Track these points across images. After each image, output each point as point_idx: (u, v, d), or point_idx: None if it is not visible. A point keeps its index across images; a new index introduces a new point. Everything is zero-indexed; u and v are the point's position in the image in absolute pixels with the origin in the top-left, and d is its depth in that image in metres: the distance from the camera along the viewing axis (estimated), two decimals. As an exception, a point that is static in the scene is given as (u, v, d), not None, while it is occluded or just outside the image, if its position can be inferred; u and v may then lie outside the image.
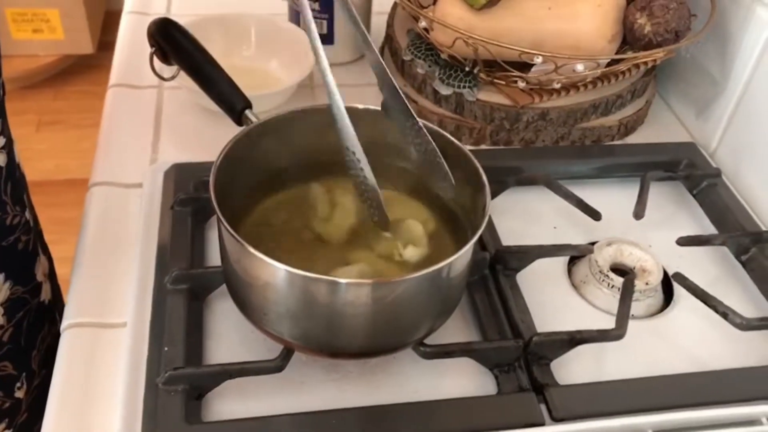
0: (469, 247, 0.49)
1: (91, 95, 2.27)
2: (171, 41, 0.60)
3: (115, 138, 0.73)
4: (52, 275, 0.68)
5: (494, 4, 0.68)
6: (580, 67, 0.67)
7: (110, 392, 0.52)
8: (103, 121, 0.75)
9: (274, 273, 0.46)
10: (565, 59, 0.66)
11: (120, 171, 0.69)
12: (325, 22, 0.81)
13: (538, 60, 0.66)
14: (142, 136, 0.73)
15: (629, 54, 0.71)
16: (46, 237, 0.71)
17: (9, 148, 0.57)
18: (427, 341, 0.53)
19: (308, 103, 0.80)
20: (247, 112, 0.57)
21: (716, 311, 0.57)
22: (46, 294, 0.65)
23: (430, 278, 0.48)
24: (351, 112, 0.55)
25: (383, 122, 0.56)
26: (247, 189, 0.56)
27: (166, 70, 0.64)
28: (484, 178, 0.52)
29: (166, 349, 0.51)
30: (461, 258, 0.49)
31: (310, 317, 0.48)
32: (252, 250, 0.45)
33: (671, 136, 0.79)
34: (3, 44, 2.25)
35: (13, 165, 0.58)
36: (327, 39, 0.82)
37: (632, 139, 0.79)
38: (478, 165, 0.53)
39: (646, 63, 0.73)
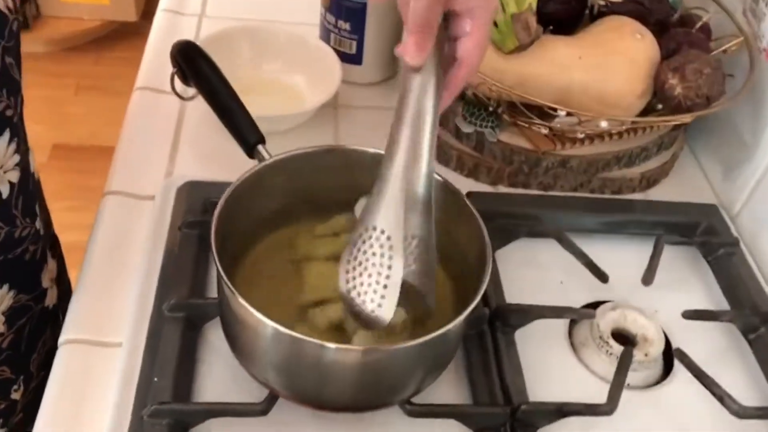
0: (465, 315, 0.48)
1: (131, 62, 2.28)
2: (192, 65, 0.60)
3: (135, 145, 0.73)
4: (60, 278, 0.69)
5: (524, 49, 0.67)
6: (604, 123, 0.66)
7: (100, 412, 0.52)
8: (124, 127, 0.75)
9: (263, 329, 0.46)
10: (589, 117, 0.64)
11: (135, 182, 0.69)
12: (354, 43, 0.80)
13: (562, 113, 0.65)
14: (161, 146, 0.73)
15: (655, 117, 0.69)
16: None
17: (24, 161, 0.57)
18: (418, 395, 0.53)
19: (330, 123, 0.80)
20: (259, 147, 0.57)
21: (713, 393, 0.56)
22: (51, 299, 0.66)
23: (423, 345, 0.47)
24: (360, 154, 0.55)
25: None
26: (251, 223, 0.56)
27: (188, 90, 0.64)
28: (488, 242, 0.51)
29: (155, 379, 0.52)
30: (457, 324, 0.48)
31: (297, 372, 0.48)
32: (243, 302, 0.46)
33: (695, 193, 0.77)
34: (51, 5, 2.27)
35: (26, 177, 0.58)
36: (356, 59, 0.81)
37: (654, 191, 0.77)
38: (485, 231, 0.52)
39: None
